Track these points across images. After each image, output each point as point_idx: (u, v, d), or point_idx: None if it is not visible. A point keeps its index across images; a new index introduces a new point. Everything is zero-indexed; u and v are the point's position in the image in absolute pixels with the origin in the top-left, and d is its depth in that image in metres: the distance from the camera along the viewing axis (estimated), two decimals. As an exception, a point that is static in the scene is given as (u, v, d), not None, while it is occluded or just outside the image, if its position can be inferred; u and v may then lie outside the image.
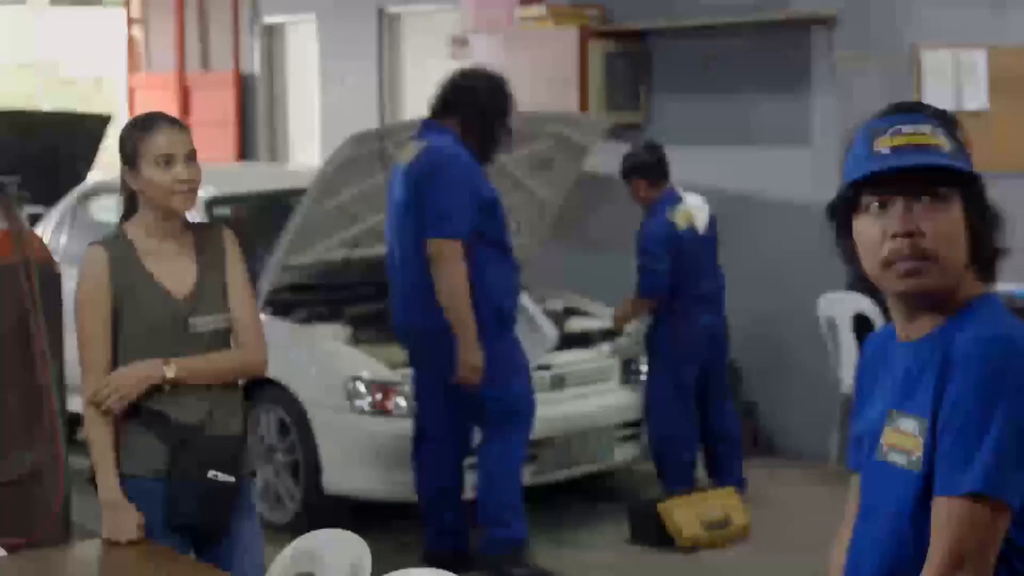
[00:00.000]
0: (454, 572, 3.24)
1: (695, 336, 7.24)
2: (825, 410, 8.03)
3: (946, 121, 2.42)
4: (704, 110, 8.69)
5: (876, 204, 2.38)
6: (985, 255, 2.41)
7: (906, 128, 2.37)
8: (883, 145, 2.36)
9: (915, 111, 2.42)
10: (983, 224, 2.40)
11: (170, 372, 3.90)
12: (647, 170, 7.19)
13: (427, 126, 6.30)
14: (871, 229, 2.38)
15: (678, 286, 7.17)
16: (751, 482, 7.56)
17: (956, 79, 8.43)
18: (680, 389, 7.23)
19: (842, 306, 7.75)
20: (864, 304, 7.58)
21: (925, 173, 2.34)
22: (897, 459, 2.38)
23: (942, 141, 2.36)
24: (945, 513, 2.28)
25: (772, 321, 8.47)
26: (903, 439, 2.37)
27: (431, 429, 6.31)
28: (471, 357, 5.97)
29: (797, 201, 8.19)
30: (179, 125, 4.00)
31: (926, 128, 2.37)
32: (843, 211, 2.44)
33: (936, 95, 8.27)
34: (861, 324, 7.62)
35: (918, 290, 2.37)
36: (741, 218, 8.52)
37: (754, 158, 8.44)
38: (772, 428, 8.47)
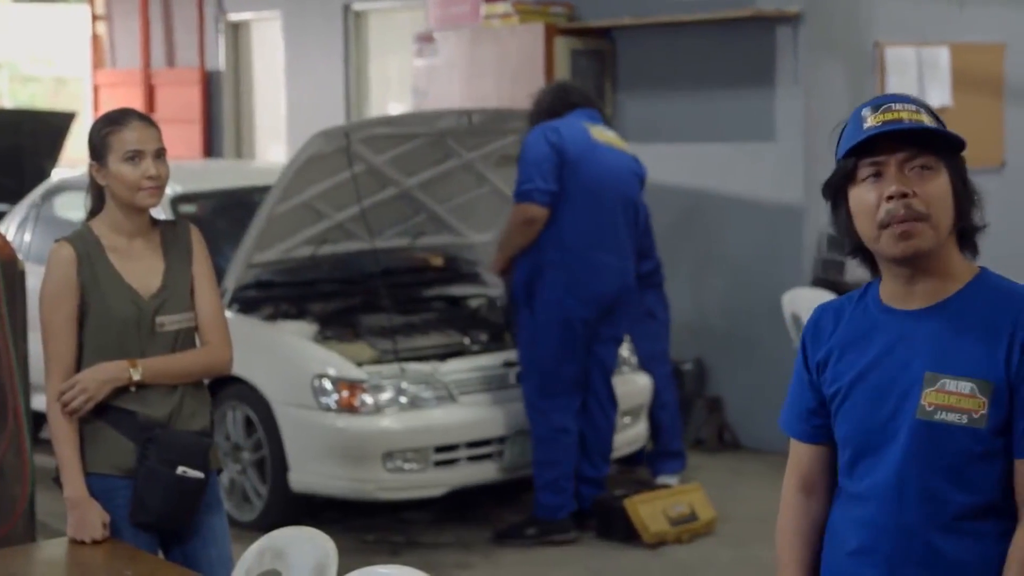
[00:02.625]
0: None
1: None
2: (790, 405, 8.06)
3: (925, 105, 2.64)
4: (669, 107, 8.71)
5: (872, 173, 2.59)
6: (966, 225, 2.62)
7: (895, 106, 2.60)
8: (877, 120, 2.59)
9: (899, 95, 2.66)
10: (966, 195, 2.61)
11: (136, 374, 3.90)
12: None
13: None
14: (868, 195, 2.60)
15: None
16: (716, 477, 7.61)
17: (919, 75, 8.49)
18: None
19: (807, 302, 7.77)
20: (828, 299, 7.60)
21: (915, 143, 2.56)
22: (951, 418, 2.56)
23: (927, 119, 2.59)
24: None
25: (737, 316, 8.51)
26: (958, 400, 2.55)
27: None
28: None
29: (762, 197, 8.23)
30: (149, 122, 4.00)
31: (912, 107, 2.60)
32: (840, 186, 2.65)
33: (899, 91, 8.31)
34: (825, 320, 7.67)
35: (912, 251, 2.57)
36: (706, 214, 8.56)
37: (719, 154, 8.47)
38: (737, 423, 8.51)
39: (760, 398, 8.36)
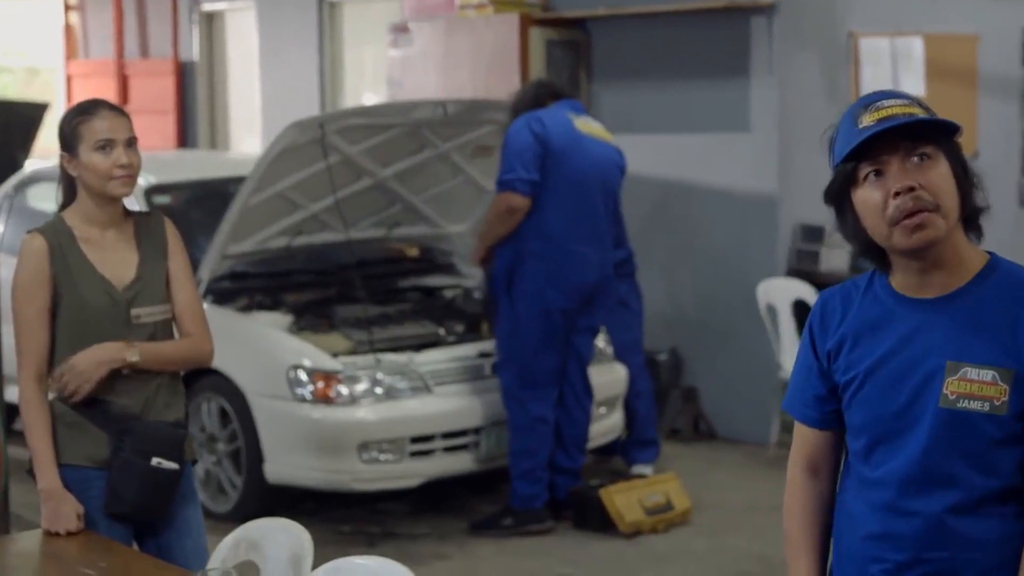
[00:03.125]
0: None
1: None
2: (765, 396, 8.10)
3: (919, 101, 2.67)
4: (644, 97, 8.73)
5: (873, 173, 2.62)
6: (971, 209, 2.66)
7: (886, 103, 2.63)
8: (870, 119, 2.61)
9: (886, 92, 2.69)
10: (967, 179, 2.64)
11: (132, 356, 3.89)
12: None
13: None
14: (873, 195, 2.62)
15: None
16: (692, 467, 7.64)
17: (893, 66, 8.52)
18: None
19: (782, 292, 7.81)
20: (803, 290, 7.64)
21: (912, 136, 2.59)
22: (974, 406, 2.61)
23: (919, 110, 2.62)
24: None
25: (713, 307, 8.53)
26: (980, 388, 2.61)
27: None
28: None
29: (737, 187, 8.25)
30: (120, 111, 3.99)
31: (901, 100, 2.63)
32: (841, 191, 2.67)
33: (873, 82, 8.37)
34: (801, 310, 7.70)
35: (927, 241, 2.60)
36: (681, 205, 8.57)
37: (694, 145, 8.49)
38: (713, 413, 8.53)
39: (735, 388, 8.39)
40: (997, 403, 2.60)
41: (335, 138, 6.99)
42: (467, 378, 6.98)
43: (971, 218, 2.67)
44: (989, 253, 2.71)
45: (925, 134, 2.59)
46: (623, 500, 6.74)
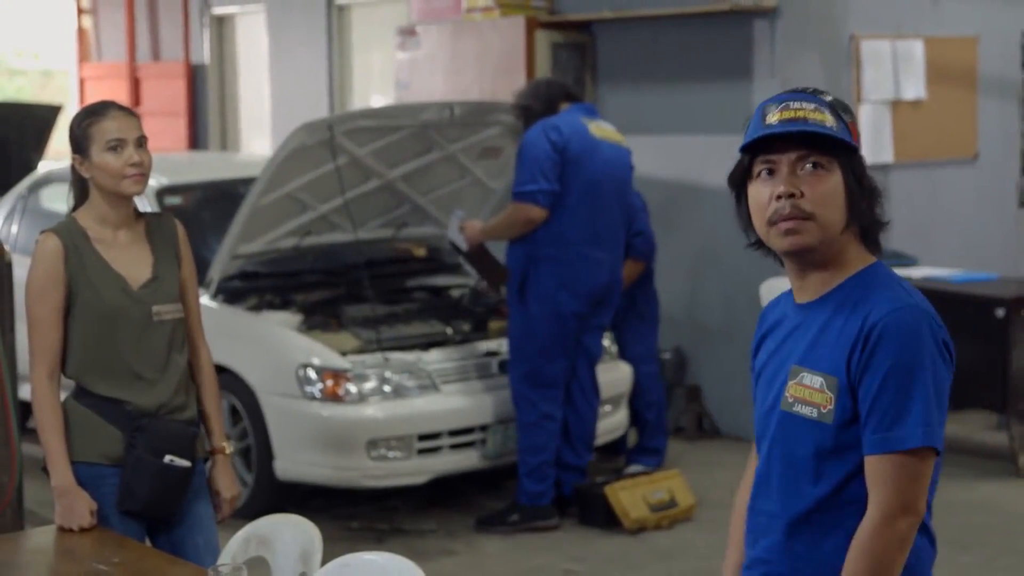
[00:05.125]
0: None
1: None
2: (769, 394, 8.14)
3: (837, 105, 2.65)
4: (648, 99, 8.78)
5: (766, 170, 2.63)
6: (864, 223, 2.65)
7: (793, 104, 2.62)
8: (773, 118, 2.62)
9: (805, 92, 2.66)
10: (861, 194, 2.63)
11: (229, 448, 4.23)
12: None
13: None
14: (760, 192, 2.64)
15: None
16: (696, 464, 7.67)
17: (894, 69, 8.57)
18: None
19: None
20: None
21: (808, 143, 2.59)
22: (804, 411, 2.63)
23: (826, 117, 2.61)
24: (888, 467, 2.53)
25: (716, 306, 8.58)
26: (811, 393, 2.62)
27: None
28: None
29: (740, 189, 8.30)
30: (129, 111, 4.02)
31: (810, 105, 2.62)
32: (740, 179, 2.70)
33: (875, 84, 8.42)
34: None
35: (797, 247, 2.62)
36: (685, 205, 8.62)
37: (697, 146, 8.54)
38: (716, 411, 8.59)
39: (738, 386, 8.43)
40: (824, 410, 2.59)
41: (344, 140, 7.04)
42: (474, 376, 7.04)
43: (869, 232, 2.66)
44: (873, 263, 2.67)
45: (821, 143, 2.59)
46: (628, 497, 6.79)
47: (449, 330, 7.27)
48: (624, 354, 7.65)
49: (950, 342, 2.60)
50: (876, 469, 2.53)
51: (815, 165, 2.59)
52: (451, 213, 7.40)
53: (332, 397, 6.66)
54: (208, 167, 9.05)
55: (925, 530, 2.63)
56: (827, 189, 2.59)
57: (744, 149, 2.65)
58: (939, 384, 2.55)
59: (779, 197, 2.59)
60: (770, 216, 2.61)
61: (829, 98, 2.65)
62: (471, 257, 7.30)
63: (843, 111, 2.64)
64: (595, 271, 6.86)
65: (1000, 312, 7.40)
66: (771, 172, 2.62)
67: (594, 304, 6.92)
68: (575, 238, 6.81)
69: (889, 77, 8.48)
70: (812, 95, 2.64)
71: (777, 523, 2.67)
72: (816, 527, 2.62)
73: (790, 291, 2.79)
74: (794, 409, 2.64)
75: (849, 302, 2.61)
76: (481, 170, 7.72)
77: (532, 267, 6.83)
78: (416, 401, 6.80)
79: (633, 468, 7.44)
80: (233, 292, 7.25)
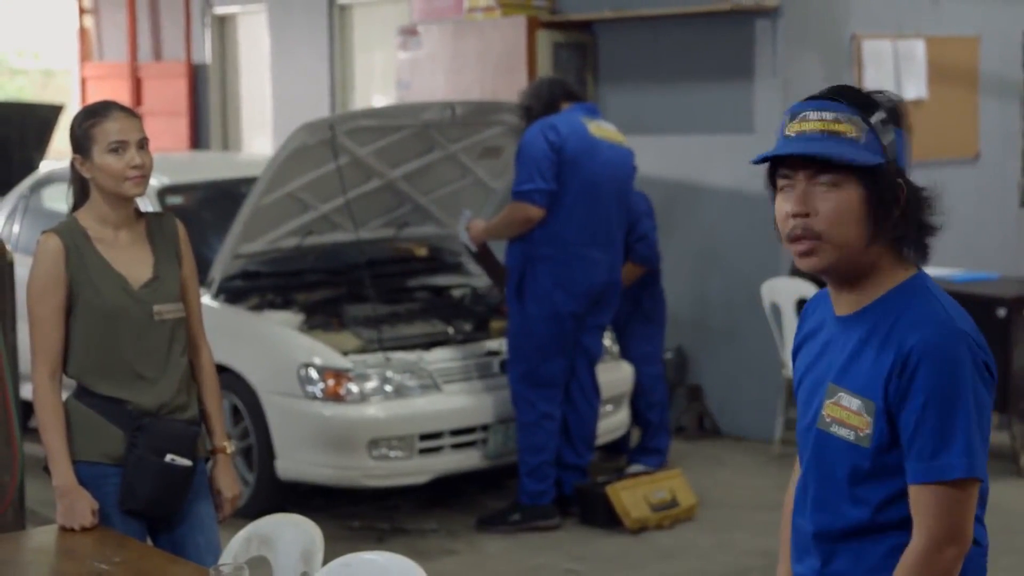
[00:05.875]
0: None
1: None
2: (769, 393, 8.16)
3: (867, 106, 2.52)
4: (650, 99, 8.78)
5: (786, 184, 2.54)
6: (898, 234, 2.53)
7: (812, 115, 2.51)
8: (792, 130, 2.53)
9: (832, 98, 2.53)
10: (890, 204, 2.50)
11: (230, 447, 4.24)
12: None
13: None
14: (781, 207, 2.57)
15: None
16: (697, 464, 7.68)
17: (896, 68, 8.57)
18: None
19: (785, 291, 7.87)
20: (806, 289, 7.70)
21: (822, 158, 2.48)
22: (842, 432, 2.56)
23: (847, 128, 2.49)
24: (934, 497, 2.46)
25: (717, 306, 8.59)
26: (848, 415, 2.54)
27: None
28: None
29: (741, 188, 8.31)
30: (131, 112, 4.02)
31: (830, 115, 2.50)
32: (770, 188, 2.61)
33: (876, 84, 8.37)
34: (804, 309, 7.76)
35: (813, 269, 2.54)
36: (686, 205, 8.63)
37: (699, 146, 8.55)
38: (718, 411, 8.60)
39: (740, 386, 8.45)
40: (861, 434, 2.52)
41: (345, 139, 7.05)
42: (475, 376, 7.04)
43: (906, 240, 2.54)
44: (914, 274, 2.57)
45: (835, 159, 2.48)
46: (629, 497, 6.80)
47: (451, 330, 7.27)
48: (629, 354, 7.65)
49: (992, 361, 2.52)
50: (920, 498, 2.47)
51: (828, 182, 2.49)
52: (460, 214, 7.41)
53: (334, 397, 6.67)
54: (209, 167, 9.06)
55: (978, 529, 2.57)
56: (840, 207, 2.48)
57: (759, 162, 2.57)
58: (981, 409, 2.47)
59: (794, 216, 2.51)
60: (787, 234, 2.54)
61: (852, 97, 2.52)
62: (477, 257, 7.32)
63: (880, 112, 2.51)
64: (592, 271, 6.86)
65: (1001, 312, 7.41)
66: (790, 186, 2.53)
67: (592, 304, 6.92)
68: (572, 238, 6.81)
69: (890, 77, 8.48)
70: (835, 102, 2.51)
71: (814, 543, 2.62)
72: (853, 550, 2.57)
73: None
74: (831, 430, 2.56)
75: (886, 321, 2.51)
76: (482, 170, 7.73)
77: (529, 266, 6.83)
78: (417, 401, 6.81)
79: (635, 468, 7.44)
80: (235, 292, 7.25)
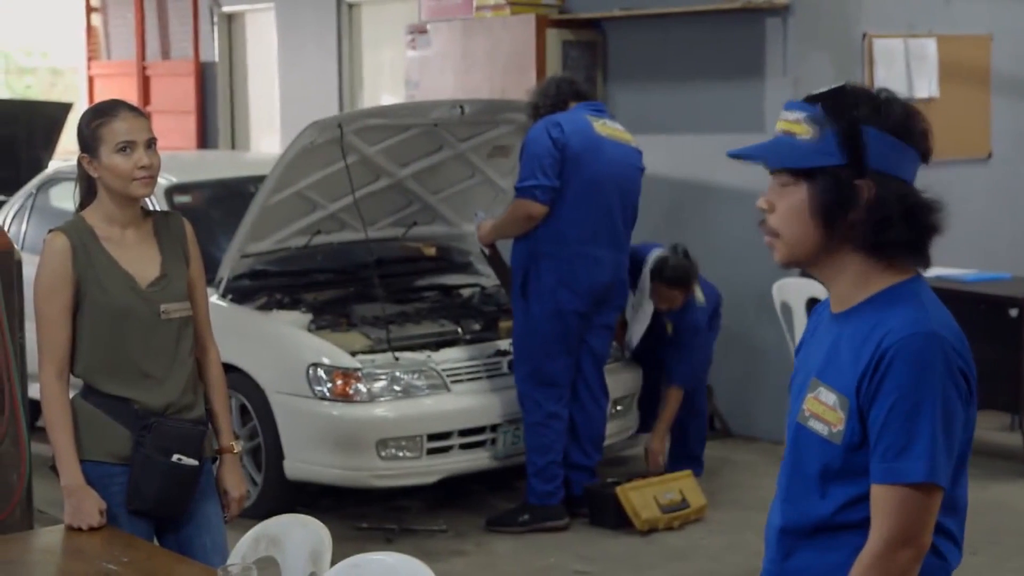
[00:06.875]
0: None
1: None
2: (781, 394, 8.10)
3: (839, 107, 2.50)
4: (659, 98, 8.76)
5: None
6: (870, 240, 2.51)
7: (786, 114, 2.57)
8: (777, 125, 2.60)
9: (816, 98, 2.55)
10: (831, 208, 2.50)
11: (238, 446, 4.23)
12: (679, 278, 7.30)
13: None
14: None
15: None
16: (707, 464, 7.65)
17: (907, 67, 8.55)
18: None
19: (796, 291, 7.85)
20: (818, 289, 7.67)
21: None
22: (817, 427, 2.56)
23: (802, 128, 2.53)
24: (891, 498, 2.45)
25: (728, 306, 8.54)
26: (824, 410, 2.55)
27: None
28: None
29: (751, 187, 8.27)
30: (139, 112, 4.02)
31: (793, 116, 2.55)
32: None
33: (887, 83, 8.33)
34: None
35: (779, 262, 2.61)
36: (696, 204, 8.61)
37: (709, 145, 8.51)
38: (728, 411, 8.57)
39: (750, 386, 8.43)
40: (834, 430, 2.52)
41: (353, 138, 7.04)
42: (484, 376, 7.03)
43: (888, 246, 2.51)
44: (909, 279, 2.56)
45: (788, 160, 2.54)
46: (639, 497, 6.78)
47: (459, 329, 7.27)
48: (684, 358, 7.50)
49: (970, 371, 2.50)
50: (879, 499, 2.47)
51: (782, 181, 2.56)
52: (474, 216, 7.39)
53: (342, 397, 6.67)
54: (217, 166, 9.07)
55: (942, 542, 2.55)
56: (789, 206, 2.54)
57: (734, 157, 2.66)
58: (949, 415, 2.46)
59: (761, 211, 2.60)
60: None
61: (842, 99, 2.52)
62: (488, 259, 7.31)
63: (854, 112, 2.50)
64: (595, 269, 6.84)
65: (1013, 312, 7.38)
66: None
67: (597, 303, 6.89)
68: (575, 236, 6.79)
69: (902, 76, 8.45)
70: (801, 103, 2.55)
71: (778, 537, 2.64)
72: (815, 546, 2.57)
73: None
74: (808, 424, 2.57)
75: (869, 323, 2.51)
76: (491, 169, 7.72)
77: (533, 265, 6.82)
78: (426, 401, 6.80)
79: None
80: (242, 291, 7.25)
